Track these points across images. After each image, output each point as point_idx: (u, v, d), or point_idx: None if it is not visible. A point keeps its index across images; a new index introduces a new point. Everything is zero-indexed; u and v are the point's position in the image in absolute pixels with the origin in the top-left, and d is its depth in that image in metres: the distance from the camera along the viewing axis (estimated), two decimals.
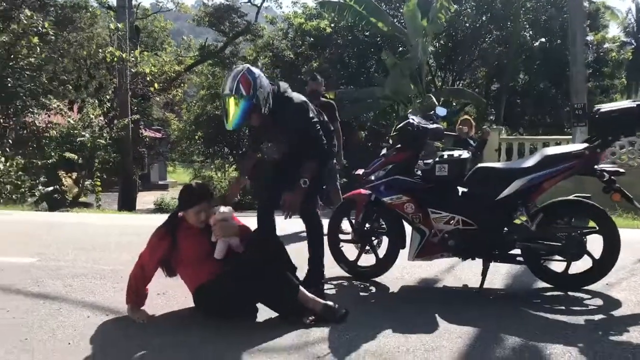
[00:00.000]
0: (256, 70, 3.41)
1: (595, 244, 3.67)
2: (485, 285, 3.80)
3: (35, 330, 3.10)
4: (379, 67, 20.88)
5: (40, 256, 4.99)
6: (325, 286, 3.99)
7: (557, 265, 3.84)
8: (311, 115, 3.59)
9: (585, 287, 3.71)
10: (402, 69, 15.65)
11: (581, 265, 3.71)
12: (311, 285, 3.62)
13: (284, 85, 3.62)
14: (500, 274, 4.21)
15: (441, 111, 4.24)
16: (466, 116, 8.69)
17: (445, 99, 19.65)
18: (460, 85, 23.54)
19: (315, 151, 3.58)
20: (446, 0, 15.03)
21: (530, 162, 3.71)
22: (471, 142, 7.80)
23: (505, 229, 3.76)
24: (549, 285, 3.80)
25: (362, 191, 4.15)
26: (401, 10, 19.07)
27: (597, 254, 3.66)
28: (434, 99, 15.40)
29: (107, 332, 3.10)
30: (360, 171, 4.16)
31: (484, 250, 3.79)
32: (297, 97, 3.61)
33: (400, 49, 19.40)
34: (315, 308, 3.16)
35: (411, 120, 3.86)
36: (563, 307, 3.42)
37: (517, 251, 3.78)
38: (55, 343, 2.92)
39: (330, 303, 3.20)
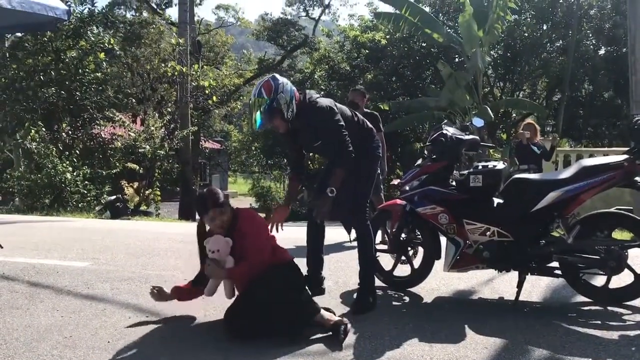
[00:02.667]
0: (281, 79, 3.54)
1: (638, 258, 3.57)
2: (522, 298, 3.74)
3: (79, 329, 3.30)
4: (434, 78, 20.74)
5: (94, 260, 5.27)
6: None
7: (597, 279, 3.75)
8: (337, 118, 3.55)
9: (627, 303, 3.60)
10: (458, 80, 15.48)
11: (624, 279, 3.61)
12: (361, 297, 3.67)
13: (311, 92, 3.70)
14: (539, 287, 4.13)
15: (478, 122, 4.22)
16: (529, 120, 8.13)
17: (504, 109, 19.30)
18: (521, 95, 23.04)
19: (340, 158, 3.55)
20: (502, 10, 14.78)
21: (567, 173, 3.65)
22: (535, 148, 7.40)
23: (542, 241, 3.70)
24: (589, 300, 3.71)
25: (398, 201, 4.18)
26: (457, 21, 18.88)
27: (639, 269, 3.56)
28: (489, 110, 15.16)
29: (145, 332, 3.25)
30: (396, 181, 4.20)
31: (519, 263, 3.74)
32: (324, 101, 3.63)
33: (457, 59, 19.21)
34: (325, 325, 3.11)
35: (444, 131, 3.87)
36: (599, 322, 3.34)
37: (555, 264, 3.72)
38: (96, 341, 3.10)
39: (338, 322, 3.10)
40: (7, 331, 3.24)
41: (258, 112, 3.46)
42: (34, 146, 13.73)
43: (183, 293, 3.50)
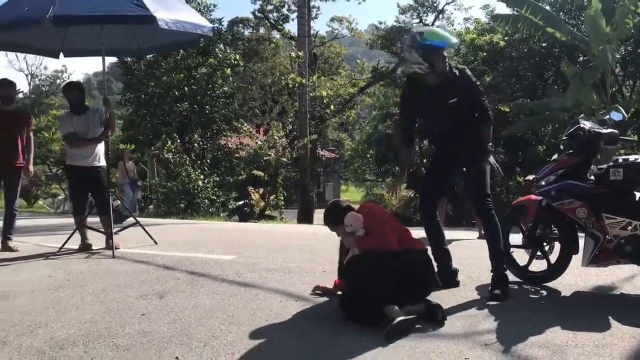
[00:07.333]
0: None
1: None
2: None
3: (239, 310, 3.68)
4: (557, 78, 19.88)
5: (239, 254, 5.77)
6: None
7: None
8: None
9: None
10: (584, 79, 14.81)
11: None
12: (495, 287, 3.79)
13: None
14: None
15: (616, 115, 4.16)
16: None
17: (634, 109, 18.12)
18: None
19: (488, 118, 3.94)
20: (633, 3, 13.95)
21: None
22: None
23: None
24: None
25: (533, 197, 4.21)
26: (581, 18, 18.01)
27: None
28: (622, 109, 14.34)
29: (297, 314, 3.58)
30: (531, 177, 4.24)
31: None
32: None
33: (581, 58, 18.31)
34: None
35: (582, 125, 3.87)
36: None
37: None
38: (255, 320, 3.45)
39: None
40: (179, 309, 3.70)
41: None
42: (170, 156, 14.97)
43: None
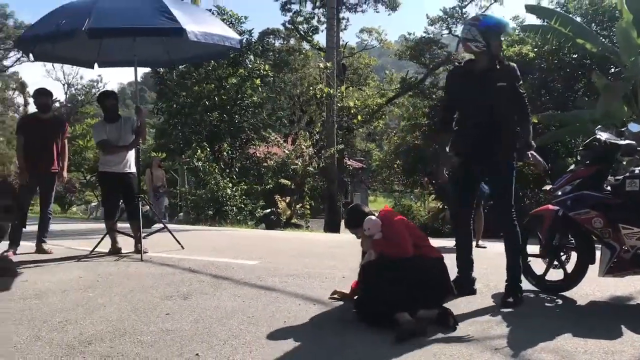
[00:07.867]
0: None
1: None
2: None
3: (259, 311, 3.82)
4: (587, 90, 19.63)
5: (261, 260, 5.91)
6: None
7: None
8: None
9: None
10: (615, 91, 14.62)
11: None
12: (508, 296, 3.89)
13: None
14: None
15: (634, 127, 4.17)
16: None
17: None
18: None
19: (527, 117, 4.08)
20: None
21: None
22: None
23: None
24: None
25: (550, 207, 4.25)
26: (613, 30, 17.80)
27: None
28: None
29: (315, 317, 3.69)
30: (548, 187, 4.28)
31: None
32: None
33: (613, 69, 18.07)
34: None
35: (598, 136, 3.91)
36: None
37: None
38: (274, 321, 3.58)
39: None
40: (202, 310, 3.85)
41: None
42: (199, 165, 15.27)
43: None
